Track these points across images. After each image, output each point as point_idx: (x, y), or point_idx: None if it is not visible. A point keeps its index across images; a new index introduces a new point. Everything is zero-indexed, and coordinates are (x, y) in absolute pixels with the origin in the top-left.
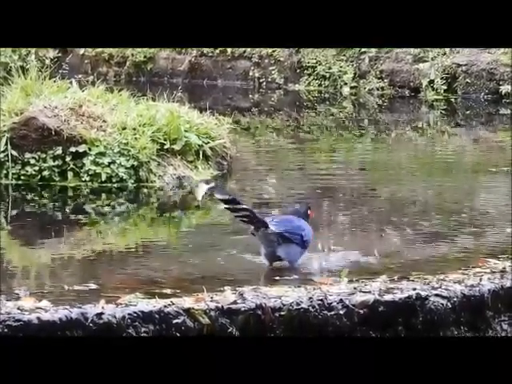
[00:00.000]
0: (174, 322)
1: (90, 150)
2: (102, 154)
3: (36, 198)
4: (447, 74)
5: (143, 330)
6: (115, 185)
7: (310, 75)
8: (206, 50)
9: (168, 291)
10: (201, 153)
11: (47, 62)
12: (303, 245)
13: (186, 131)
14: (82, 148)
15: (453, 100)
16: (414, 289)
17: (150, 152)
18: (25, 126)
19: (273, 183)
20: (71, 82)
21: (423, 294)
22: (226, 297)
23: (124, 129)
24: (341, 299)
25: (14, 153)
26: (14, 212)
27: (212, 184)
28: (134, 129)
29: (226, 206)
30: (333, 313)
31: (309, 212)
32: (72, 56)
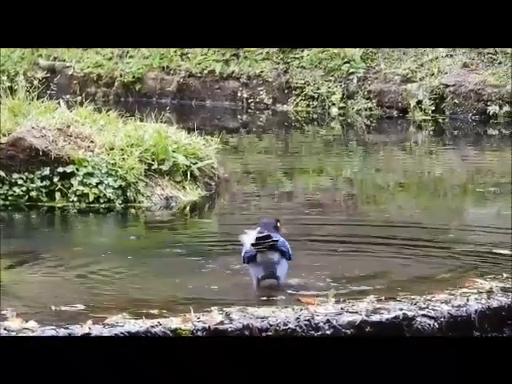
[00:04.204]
0: None
1: (77, 170)
2: (89, 175)
3: (24, 219)
4: (435, 94)
5: None
6: (103, 205)
7: (298, 96)
8: (194, 70)
9: (155, 311)
10: (188, 173)
11: (35, 82)
12: (289, 259)
13: (173, 152)
14: (69, 168)
15: (441, 120)
16: (401, 309)
17: (137, 172)
18: (12, 146)
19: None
20: (59, 103)
21: (410, 314)
22: (213, 317)
23: (112, 149)
24: (328, 319)
25: (2, 173)
26: (2, 232)
27: (263, 232)
28: (122, 149)
29: (257, 242)
30: (320, 333)
31: (279, 225)
32: (60, 76)
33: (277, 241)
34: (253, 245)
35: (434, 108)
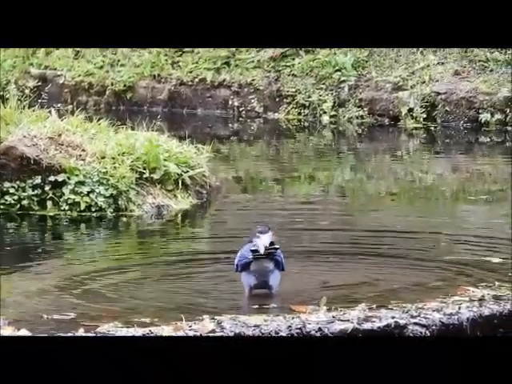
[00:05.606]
0: None
1: (69, 178)
2: (81, 183)
3: (15, 227)
4: (426, 102)
5: None
6: (94, 214)
7: (289, 104)
8: (185, 78)
9: (147, 320)
10: (180, 182)
11: (27, 91)
12: (282, 270)
13: (165, 160)
14: (61, 177)
15: (432, 128)
16: (393, 317)
17: (129, 181)
18: (4, 155)
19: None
20: (50, 111)
21: (402, 322)
22: (205, 325)
23: (103, 158)
24: (319, 328)
25: None
26: None
27: (270, 232)
28: (113, 158)
29: (269, 247)
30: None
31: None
32: (51, 85)
33: (278, 248)
34: (266, 248)
35: (425, 116)
